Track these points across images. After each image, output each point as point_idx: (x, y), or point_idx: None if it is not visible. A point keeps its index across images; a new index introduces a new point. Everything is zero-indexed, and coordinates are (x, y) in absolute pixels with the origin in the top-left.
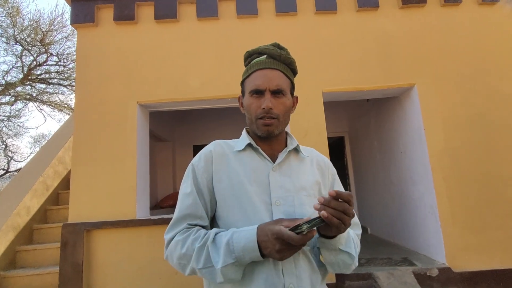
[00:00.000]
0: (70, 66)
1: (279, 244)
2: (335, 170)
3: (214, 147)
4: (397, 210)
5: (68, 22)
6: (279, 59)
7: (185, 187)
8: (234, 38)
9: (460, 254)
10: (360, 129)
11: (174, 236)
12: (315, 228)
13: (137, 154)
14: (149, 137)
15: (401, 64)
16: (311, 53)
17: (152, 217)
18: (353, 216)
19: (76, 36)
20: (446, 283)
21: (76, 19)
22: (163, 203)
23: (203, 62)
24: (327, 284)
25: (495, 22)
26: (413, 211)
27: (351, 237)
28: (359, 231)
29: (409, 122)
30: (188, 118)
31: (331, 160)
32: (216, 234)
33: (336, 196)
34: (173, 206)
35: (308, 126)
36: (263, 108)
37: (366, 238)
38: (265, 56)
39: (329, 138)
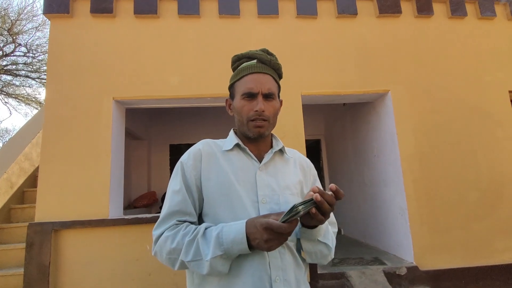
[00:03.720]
0: (39, 57)
1: (267, 234)
2: (315, 172)
3: (202, 146)
4: (369, 212)
5: (39, 12)
6: (269, 64)
7: (174, 184)
8: (215, 38)
9: (426, 254)
10: (336, 133)
11: (163, 232)
12: (298, 218)
13: (111, 152)
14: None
15: (377, 70)
16: (292, 56)
17: (126, 217)
18: (333, 209)
19: (47, 26)
20: (413, 281)
21: (50, 9)
22: (137, 202)
23: (183, 60)
24: None
25: (462, 35)
26: (384, 212)
27: (329, 231)
28: (336, 229)
29: (382, 126)
30: (165, 116)
31: None
32: (206, 228)
33: (335, 191)
34: (148, 205)
35: (286, 128)
36: (256, 111)
37: (339, 239)
38: (255, 60)
39: (306, 141)
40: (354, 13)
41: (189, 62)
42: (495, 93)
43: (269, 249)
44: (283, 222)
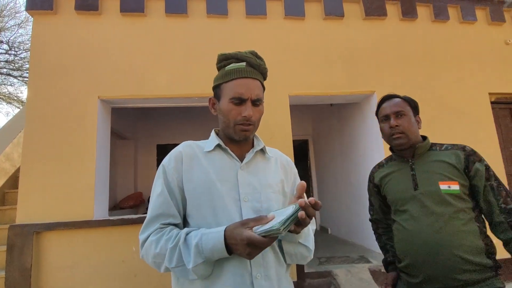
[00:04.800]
0: (22, 55)
1: (249, 249)
2: (296, 170)
3: (183, 148)
4: (355, 211)
5: (22, 8)
6: (258, 69)
7: (157, 188)
8: (203, 37)
9: None
10: (323, 133)
11: (149, 236)
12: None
13: (96, 152)
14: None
15: (363, 72)
16: (279, 56)
17: (111, 218)
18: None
19: (30, 23)
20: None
21: (33, 5)
22: (123, 203)
23: (170, 59)
24: None
25: (445, 38)
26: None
27: (310, 233)
28: (314, 227)
29: (368, 127)
30: (152, 116)
31: (295, 162)
32: (187, 234)
33: (314, 204)
34: (134, 206)
35: (274, 129)
36: (244, 116)
37: (326, 238)
38: (244, 63)
39: (294, 141)
40: (341, 15)
41: (176, 62)
42: (476, 94)
43: (250, 257)
44: (264, 237)
